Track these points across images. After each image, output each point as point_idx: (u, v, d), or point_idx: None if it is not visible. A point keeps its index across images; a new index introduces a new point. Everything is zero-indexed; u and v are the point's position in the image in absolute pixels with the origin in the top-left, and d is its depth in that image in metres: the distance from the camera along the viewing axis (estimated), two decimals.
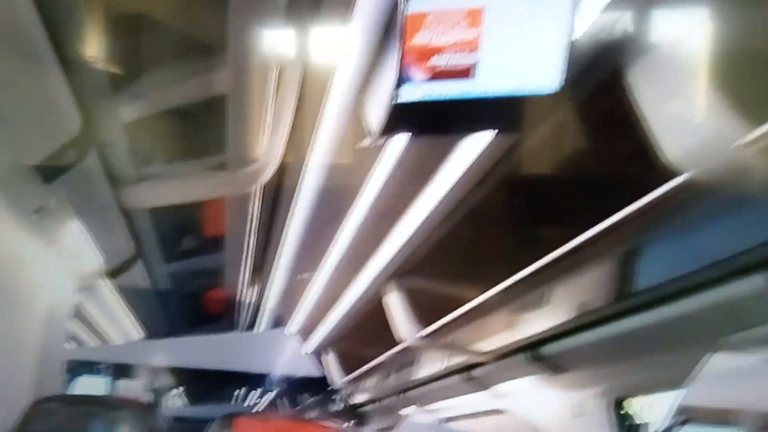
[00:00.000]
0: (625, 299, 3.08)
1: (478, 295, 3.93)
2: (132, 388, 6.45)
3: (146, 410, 3.35)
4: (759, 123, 1.83)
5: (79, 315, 4.93)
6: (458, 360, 4.95)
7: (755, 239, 2.35)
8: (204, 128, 3.53)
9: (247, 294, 5.85)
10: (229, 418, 3.74)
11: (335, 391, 7.09)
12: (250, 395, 9.11)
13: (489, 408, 4.93)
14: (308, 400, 7.85)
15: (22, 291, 3.64)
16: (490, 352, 4.39)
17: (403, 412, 6.62)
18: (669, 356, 3.00)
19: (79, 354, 5.21)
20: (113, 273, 4.63)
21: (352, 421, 7.02)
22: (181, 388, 8.27)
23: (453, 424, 5.72)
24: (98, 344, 5.63)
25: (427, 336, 4.62)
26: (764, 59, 1.95)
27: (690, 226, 2.63)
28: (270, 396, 8.77)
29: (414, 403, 6.35)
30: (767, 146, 1.82)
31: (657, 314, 2.83)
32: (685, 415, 2.66)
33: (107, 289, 5.01)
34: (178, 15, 2.92)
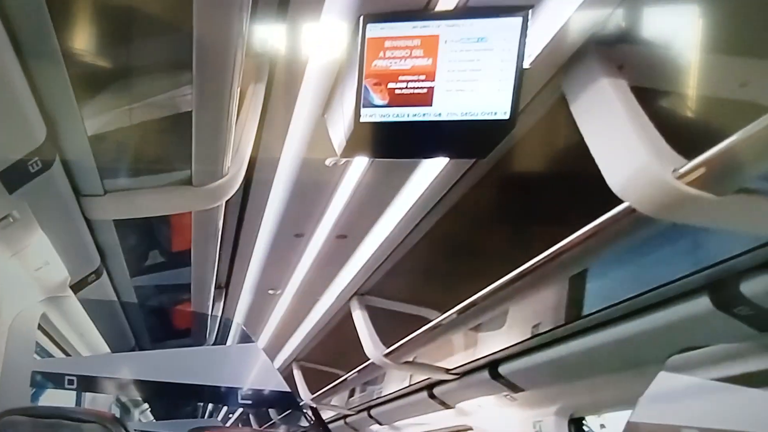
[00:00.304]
0: (577, 320, 3.19)
1: (438, 314, 3.97)
2: (99, 401, 6.39)
3: (113, 423, 3.31)
4: (695, 153, 1.93)
5: (45, 327, 4.87)
6: (422, 377, 5.02)
7: (700, 262, 2.47)
8: (170, 143, 3.57)
9: (215, 308, 5.87)
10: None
11: (303, 407, 7.08)
12: (219, 410, 9.05)
13: (453, 425, 5.00)
14: (276, 415, 7.83)
15: None
16: (452, 371, 4.47)
17: (369, 429, 6.68)
18: (620, 375, 3.10)
19: (45, 366, 5.11)
20: (79, 285, 4.57)
21: None
22: (149, 404, 8.19)
23: None
24: (64, 356, 5.55)
25: (391, 353, 4.62)
26: (698, 92, 2.07)
27: (637, 248, 2.74)
28: (238, 411, 8.72)
29: (380, 421, 6.42)
30: (702, 175, 1.93)
31: (607, 335, 2.93)
32: None
33: (73, 301, 4.93)
34: (145, 30, 2.97)
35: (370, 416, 6.49)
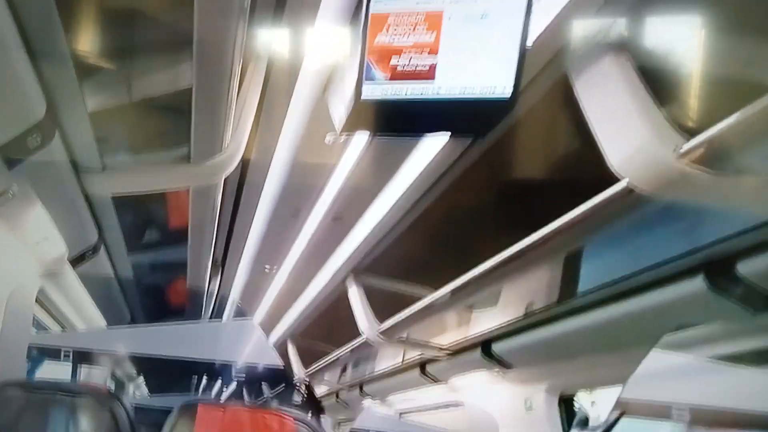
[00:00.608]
0: (571, 299, 3.16)
1: (432, 293, 3.97)
2: (94, 375, 6.35)
3: (108, 398, 3.29)
4: (695, 132, 1.90)
5: (42, 301, 4.82)
6: (414, 354, 5.02)
7: (696, 242, 2.44)
8: (170, 119, 3.51)
9: (211, 284, 5.82)
10: (190, 407, 3.67)
11: (297, 383, 7.06)
12: (213, 385, 9.01)
13: (446, 401, 4.99)
14: (270, 391, 7.80)
15: None
16: (445, 348, 4.46)
17: (362, 404, 6.66)
18: (613, 354, 3.08)
19: (41, 340, 5.06)
20: (77, 260, 4.57)
21: (313, 413, 7.01)
22: (143, 378, 8.15)
23: (411, 417, 5.75)
24: (61, 331, 5.49)
25: (385, 331, 4.62)
26: (701, 71, 2.03)
27: (633, 228, 2.71)
28: (232, 386, 8.68)
29: (372, 397, 6.40)
30: (702, 154, 1.90)
31: (601, 314, 2.91)
32: (622, 408, 2.74)
33: (71, 276, 4.89)
34: (145, 7, 2.90)
35: (362, 392, 6.47)
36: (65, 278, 4.79)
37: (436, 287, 3.94)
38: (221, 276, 5.78)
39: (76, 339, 5.59)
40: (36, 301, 4.54)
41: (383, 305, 4.65)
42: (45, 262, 4.26)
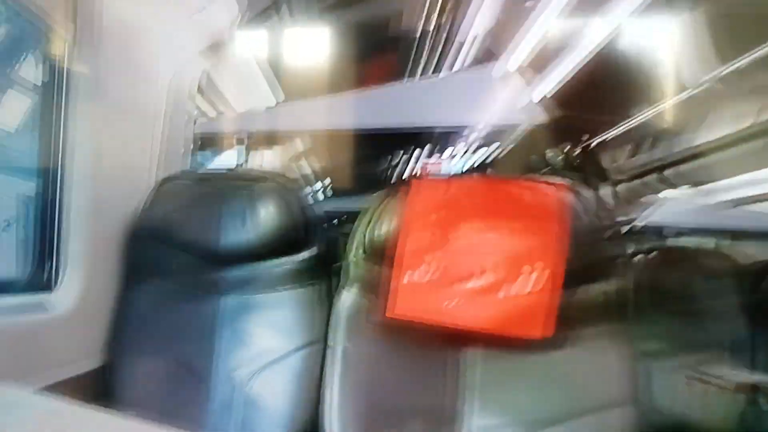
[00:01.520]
0: None
1: None
2: (268, 159, 6.76)
3: (289, 181, 3.16)
4: None
5: (208, 83, 4.84)
6: None
7: None
8: None
9: (435, 26, 5.27)
10: (403, 183, 3.34)
11: (560, 154, 6.53)
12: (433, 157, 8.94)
13: None
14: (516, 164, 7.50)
15: (145, 59, 3.42)
16: None
17: (667, 192, 6.13)
18: None
19: (209, 127, 5.32)
20: (250, 24, 4.44)
21: (587, 179, 6.57)
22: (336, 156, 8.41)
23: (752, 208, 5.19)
24: (229, 114, 5.62)
25: (728, 75, 3.94)
26: None
27: None
28: (460, 157, 8.53)
29: (681, 183, 5.81)
30: None
31: None
32: None
33: (241, 48, 4.93)
34: None
35: (663, 178, 5.84)
36: (234, 52, 4.81)
37: None
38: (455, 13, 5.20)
39: (248, 121, 5.82)
40: (201, 82, 4.54)
41: (728, 41, 3.86)
42: (211, 32, 4.08)
